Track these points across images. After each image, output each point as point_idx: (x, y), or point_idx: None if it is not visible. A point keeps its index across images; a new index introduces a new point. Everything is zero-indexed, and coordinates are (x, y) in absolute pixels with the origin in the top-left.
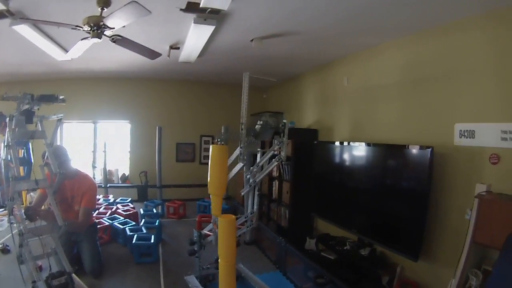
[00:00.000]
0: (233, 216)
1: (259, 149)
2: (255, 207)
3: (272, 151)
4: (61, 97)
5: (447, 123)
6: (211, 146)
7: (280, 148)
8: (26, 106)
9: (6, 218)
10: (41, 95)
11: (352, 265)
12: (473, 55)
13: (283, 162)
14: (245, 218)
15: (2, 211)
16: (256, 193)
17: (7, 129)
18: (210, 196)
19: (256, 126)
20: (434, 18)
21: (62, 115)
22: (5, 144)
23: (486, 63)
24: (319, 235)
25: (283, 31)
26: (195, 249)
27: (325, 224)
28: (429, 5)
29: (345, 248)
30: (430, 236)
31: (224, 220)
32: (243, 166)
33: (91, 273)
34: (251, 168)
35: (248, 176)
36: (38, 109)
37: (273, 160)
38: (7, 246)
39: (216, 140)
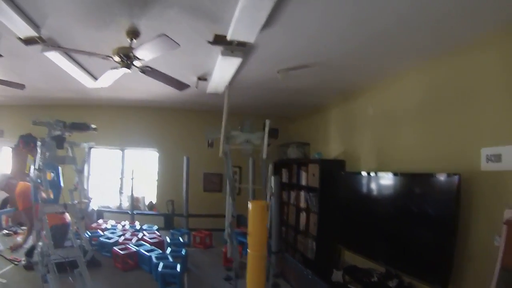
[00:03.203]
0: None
1: None
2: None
3: None
4: (93, 126)
5: (473, 147)
6: (249, 203)
7: None
8: (58, 132)
9: (31, 237)
10: (73, 122)
11: None
12: (494, 75)
13: (310, 194)
14: None
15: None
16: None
17: (39, 153)
18: (248, 251)
19: None
20: (451, 41)
21: (93, 143)
22: (36, 167)
23: (508, 83)
24: (346, 266)
25: (308, 62)
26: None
27: (352, 255)
28: (444, 28)
29: (372, 280)
30: (459, 264)
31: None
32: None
33: None
34: None
35: None
36: (70, 135)
37: None
38: (31, 262)
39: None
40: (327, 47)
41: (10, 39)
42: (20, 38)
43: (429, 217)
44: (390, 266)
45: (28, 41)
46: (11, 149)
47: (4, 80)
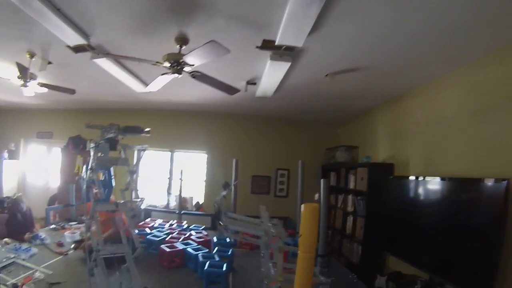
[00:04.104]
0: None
1: None
2: None
3: None
4: (146, 129)
5: None
6: (302, 206)
7: None
8: (111, 135)
9: (78, 232)
10: (126, 126)
11: None
12: None
13: (358, 198)
14: None
15: (75, 224)
16: None
17: (92, 155)
18: (299, 252)
19: None
20: (499, 41)
21: (147, 146)
22: (89, 167)
23: None
24: (390, 272)
25: (356, 66)
26: None
27: (397, 261)
28: (491, 28)
29: (415, 287)
30: (504, 277)
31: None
32: None
33: None
34: None
35: None
36: (122, 138)
37: None
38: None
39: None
40: (372, 51)
41: (59, 47)
42: (69, 46)
43: (475, 224)
44: (434, 274)
45: (78, 49)
46: (60, 150)
47: (56, 86)
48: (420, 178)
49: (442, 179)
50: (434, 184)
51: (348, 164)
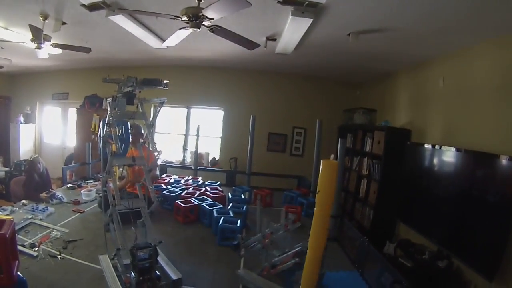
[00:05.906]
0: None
1: None
2: None
3: None
4: (165, 81)
5: None
6: (322, 162)
7: None
8: (128, 89)
9: (94, 189)
10: (144, 78)
11: (427, 276)
12: None
13: (374, 161)
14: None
15: (91, 182)
16: None
17: (109, 109)
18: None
19: None
20: None
21: (165, 98)
22: (106, 122)
23: None
24: (400, 240)
25: (380, 26)
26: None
27: (407, 229)
28: None
29: (423, 257)
30: (510, 256)
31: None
32: None
33: None
34: None
35: None
36: (140, 92)
37: None
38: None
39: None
40: (400, 12)
41: (73, 7)
42: (84, 5)
43: (486, 201)
44: (442, 246)
45: (93, 7)
46: (76, 110)
47: (71, 45)
48: (436, 147)
49: (458, 150)
50: (449, 154)
51: (365, 126)
